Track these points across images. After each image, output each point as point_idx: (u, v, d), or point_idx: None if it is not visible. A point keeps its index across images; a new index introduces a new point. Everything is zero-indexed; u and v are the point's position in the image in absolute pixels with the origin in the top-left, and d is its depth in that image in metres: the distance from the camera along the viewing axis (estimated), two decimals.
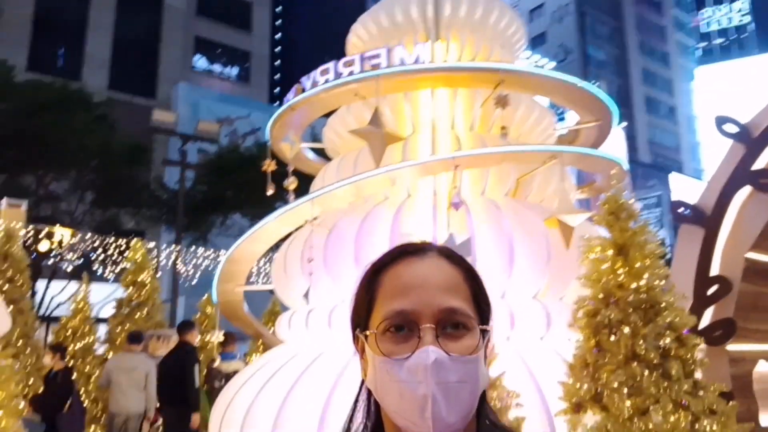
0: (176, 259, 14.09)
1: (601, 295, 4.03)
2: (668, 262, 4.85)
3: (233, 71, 34.14)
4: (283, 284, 5.99)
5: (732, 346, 4.82)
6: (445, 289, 0.87)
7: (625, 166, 6.29)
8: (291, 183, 6.01)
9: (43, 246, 12.67)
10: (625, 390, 3.75)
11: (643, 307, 3.87)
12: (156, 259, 12.98)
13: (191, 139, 15.65)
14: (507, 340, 5.04)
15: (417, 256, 0.91)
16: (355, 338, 0.92)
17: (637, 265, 4.00)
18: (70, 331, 10.21)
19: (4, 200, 10.45)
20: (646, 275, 3.98)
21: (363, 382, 0.93)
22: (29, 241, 12.05)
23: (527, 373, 4.67)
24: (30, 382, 8.92)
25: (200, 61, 33.14)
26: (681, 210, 4.92)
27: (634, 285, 3.95)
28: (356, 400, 0.96)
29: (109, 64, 28.62)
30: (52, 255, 13.78)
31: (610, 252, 4.16)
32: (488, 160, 5.57)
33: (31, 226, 12.06)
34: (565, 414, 3.97)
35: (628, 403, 3.71)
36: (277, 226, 5.83)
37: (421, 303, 0.85)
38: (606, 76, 49.29)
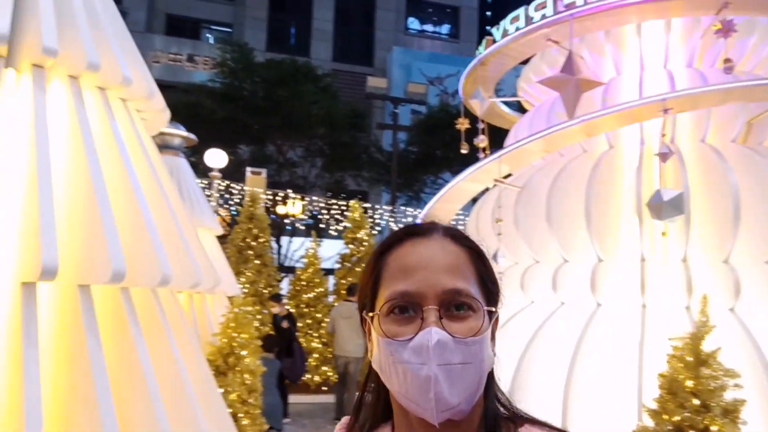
0: (391, 217, 14.98)
1: None
2: None
3: (443, 29, 34.33)
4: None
5: None
6: (449, 270, 0.86)
7: None
8: (481, 141, 5.87)
9: (281, 209, 14.51)
10: None
11: None
12: (372, 218, 13.94)
13: (401, 102, 16.23)
14: (730, 312, 4.34)
15: (422, 237, 0.89)
16: (363, 320, 0.92)
17: None
18: (304, 281, 11.62)
19: (248, 169, 12.18)
20: None
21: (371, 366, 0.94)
22: (269, 204, 13.89)
23: (753, 351, 3.98)
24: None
25: (413, 23, 33.94)
26: None
27: None
28: (366, 381, 0.97)
29: (332, 36, 30.94)
30: (288, 216, 15.76)
31: None
32: (707, 100, 4.73)
33: (269, 191, 13.88)
34: None
35: None
36: (469, 185, 5.77)
37: (425, 284, 0.84)
38: None
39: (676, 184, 4.60)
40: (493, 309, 0.89)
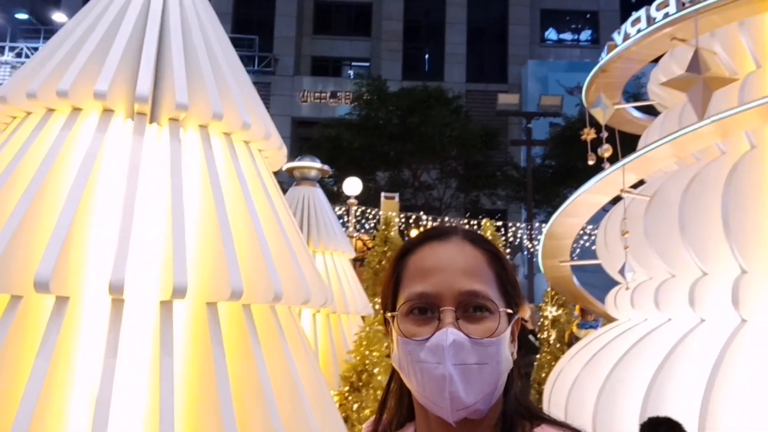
0: (529, 236, 14.63)
1: None
2: None
3: (583, 36, 33.08)
4: (606, 259, 5.69)
5: None
6: (466, 272, 0.87)
7: None
8: (605, 151, 5.62)
9: (414, 233, 14.88)
10: None
11: None
12: (505, 236, 13.73)
13: (534, 116, 15.92)
14: None
15: (441, 240, 0.92)
16: (385, 322, 0.96)
17: None
18: None
19: (382, 194, 12.73)
20: None
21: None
22: (402, 227, 14.31)
23: None
24: None
25: (549, 34, 33.15)
26: None
27: None
28: (390, 381, 1.02)
29: (465, 58, 31.22)
30: None
31: None
32: None
33: (402, 214, 14.31)
34: None
35: None
36: (593, 197, 5.56)
37: (443, 286, 0.86)
38: None
39: None
40: (511, 311, 0.89)
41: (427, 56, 32.85)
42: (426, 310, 0.87)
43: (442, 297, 0.86)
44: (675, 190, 4.88)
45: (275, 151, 3.54)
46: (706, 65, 4.58)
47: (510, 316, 0.89)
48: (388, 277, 0.96)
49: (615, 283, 8.97)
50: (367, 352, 6.98)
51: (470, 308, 0.86)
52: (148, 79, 2.87)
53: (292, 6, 31.50)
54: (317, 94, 30.44)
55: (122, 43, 2.92)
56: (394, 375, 1.00)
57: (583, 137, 6.45)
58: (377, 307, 10.21)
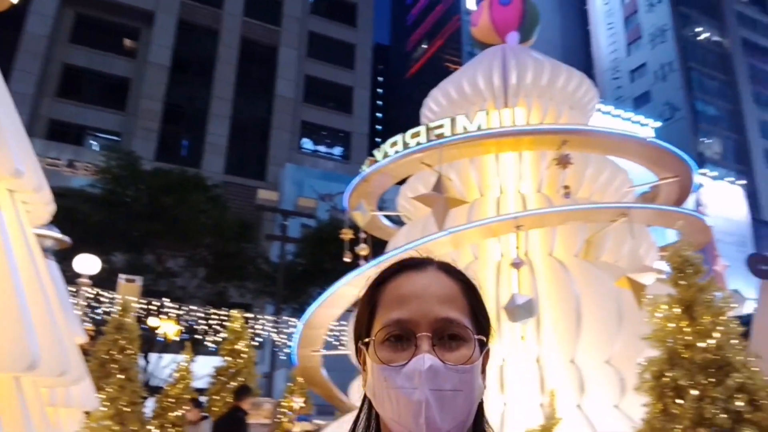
0: (274, 329, 14.71)
1: (666, 356, 3.81)
2: None
3: (336, 150, 36.23)
4: (353, 349, 6.15)
5: None
6: (442, 300, 0.88)
7: (710, 221, 5.97)
8: (362, 250, 6.28)
9: (153, 321, 13.77)
10: None
11: (711, 368, 3.61)
12: (253, 329, 13.63)
13: (291, 215, 16.64)
14: (578, 408, 4.81)
15: (417, 270, 0.93)
16: (358, 351, 0.93)
17: (705, 322, 3.76)
18: (173, 399, 10.84)
19: (121, 276, 11.67)
20: (716, 334, 3.73)
21: (365, 395, 0.94)
22: (142, 315, 13.20)
23: None
24: None
25: (307, 144, 35.54)
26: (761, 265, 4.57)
27: (701, 344, 3.70)
28: (359, 413, 0.98)
29: (226, 151, 31.45)
30: (162, 335, 14.95)
31: (677, 310, 3.95)
32: (551, 220, 5.54)
33: (143, 300, 13.23)
34: None
35: None
36: (349, 290, 6.07)
37: (419, 312, 0.87)
38: (719, 132, 46.56)
39: (530, 292, 5.20)
40: (484, 338, 0.91)
41: (185, 142, 32.21)
42: (402, 337, 0.87)
43: (419, 323, 0.86)
44: None
45: (41, 206, 3.22)
46: (445, 188, 5.61)
47: (482, 346, 0.90)
48: (363, 305, 0.94)
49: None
50: None
51: (445, 335, 0.86)
52: None
53: (34, 63, 28.39)
54: (50, 161, 27.16)
55: None
56: (363, 405, 0.96)
57: (341, 236, 7.10)
58: (103, 403, 9.03)
